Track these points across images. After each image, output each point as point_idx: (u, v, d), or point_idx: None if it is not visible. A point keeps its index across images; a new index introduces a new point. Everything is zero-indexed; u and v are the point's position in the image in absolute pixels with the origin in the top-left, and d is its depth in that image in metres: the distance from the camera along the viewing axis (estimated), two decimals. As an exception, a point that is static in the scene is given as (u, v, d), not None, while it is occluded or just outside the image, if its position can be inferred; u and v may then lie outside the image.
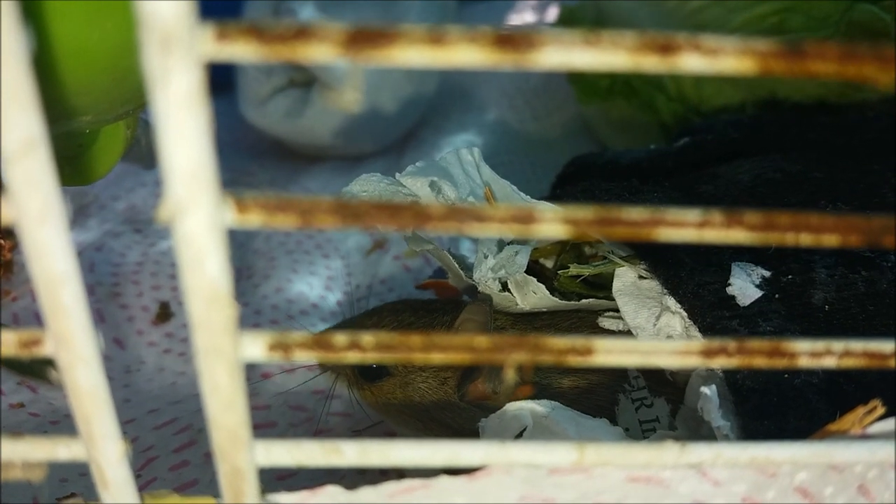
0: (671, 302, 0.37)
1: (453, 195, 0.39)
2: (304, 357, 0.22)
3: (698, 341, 0.22)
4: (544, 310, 0.43)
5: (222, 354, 0.21)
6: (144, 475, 0.44)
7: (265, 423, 0.49)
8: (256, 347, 0.21)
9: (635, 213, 0.20)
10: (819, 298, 0.37)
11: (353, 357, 0.22)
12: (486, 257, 0.41)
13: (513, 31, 0.17)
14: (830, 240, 0.20)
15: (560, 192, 0.46)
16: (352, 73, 0.19)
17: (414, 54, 0.17)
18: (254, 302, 0.59)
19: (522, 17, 1.02)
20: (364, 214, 0.19)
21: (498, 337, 0.22)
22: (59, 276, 0.19)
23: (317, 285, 0.62)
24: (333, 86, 0.72)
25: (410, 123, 0.81)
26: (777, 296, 0.37)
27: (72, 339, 0.21)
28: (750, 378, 0.34)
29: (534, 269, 0.44)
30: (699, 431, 0.37)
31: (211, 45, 0.17)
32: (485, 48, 0.17)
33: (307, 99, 0.75)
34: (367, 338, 0.22)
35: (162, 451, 0.46)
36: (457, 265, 0.43)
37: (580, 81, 0.75)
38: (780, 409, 0.33)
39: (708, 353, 0.22)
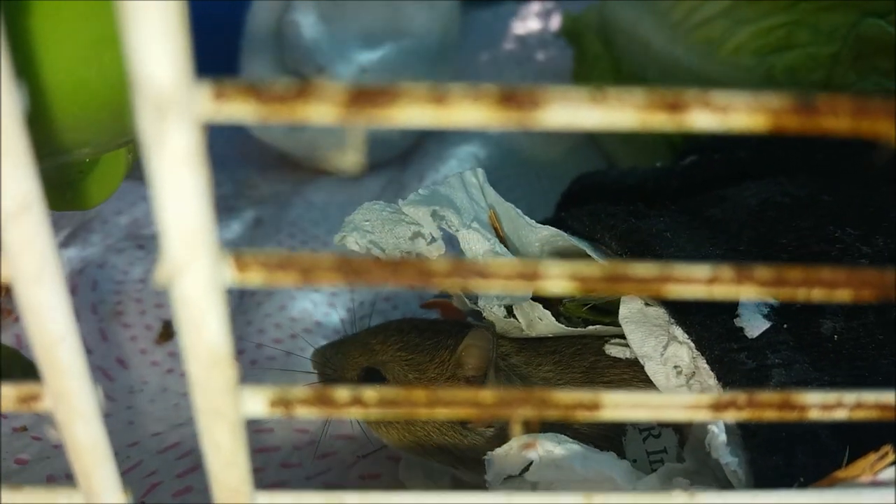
0: (679, 332, 0.37)
1: (457, 222, 0.39)
2: (306, 412, 0.21)
3: (708, 395, 0.22)
4: (550, 335, 0.42)
5: (223, 414, 0.20)
6: (148, 501, 0.44)
7: (269, 448, 0.48)
8: (257, 403, 0.21)
9: (643, 269, 0.19)
10: (828, 328, 0.37)
11: (355, 413, 0.21)
12: None
13: (516, 90, 0.17)
14: (843, 295, 0.20)
15: (565, 213, 0.45)
16: (353, 135, 0.19)
17: (416, 113, 0.17)
18: (256, 320, 0.59)
19: (526, 24, 1.01)
20: (366, 272, 0.19)
21: (503, 391, 0.21)
22: (55, 336, 0.19)
23: (320, 302, 0.61)
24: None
25: (414, 135, 0.81)
26: (785, 325, 0.36)
27: (70, 396, 0.20)
28: (759, 411, 0.33)
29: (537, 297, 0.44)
30: (707, 463, 0.36)
31: (208, 105, 0.16)
32: (488, 107, 0.17)
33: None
34: (370, 393, 0.21)
35: (165, 476, 0.46)
36: (462, 294, 0.42)
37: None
38: (788, 444, 0.33)
39: (717, 407, 0.22)
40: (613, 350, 0.41)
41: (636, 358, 0.39)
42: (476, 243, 0.40)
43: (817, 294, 0.20)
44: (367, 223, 0.38)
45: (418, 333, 0.45)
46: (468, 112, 0.17)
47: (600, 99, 0.17)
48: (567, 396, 0.22)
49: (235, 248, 0.19)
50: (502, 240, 0.42)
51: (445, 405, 0.22)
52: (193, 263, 0.18)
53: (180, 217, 0.17)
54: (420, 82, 0.16)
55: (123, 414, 0.51)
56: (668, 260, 0.38)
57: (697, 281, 0.20)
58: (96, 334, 0.56)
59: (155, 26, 0.15)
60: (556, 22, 0.97)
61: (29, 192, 0.17)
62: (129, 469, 0.46)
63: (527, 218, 0.42)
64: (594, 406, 0.22)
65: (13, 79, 0.16)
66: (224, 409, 0.20)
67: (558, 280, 0.19)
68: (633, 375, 0.40)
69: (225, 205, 0.72)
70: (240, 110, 0.16)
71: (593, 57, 0.72)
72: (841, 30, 0.56)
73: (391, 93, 0.16)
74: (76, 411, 0.21)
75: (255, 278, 0.19)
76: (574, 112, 0.17)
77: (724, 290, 0.20)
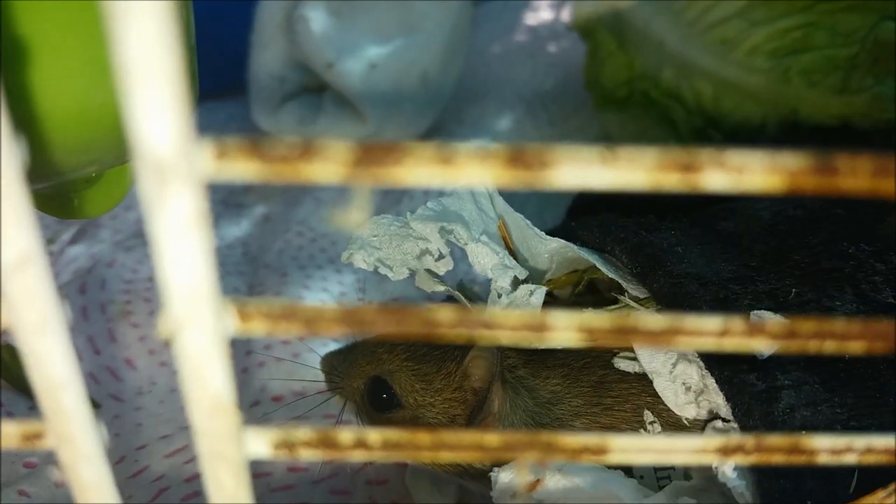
0: (688, 350, 0.37)
1: (465, 236, 0.39)
2: (310, 456, 0.21)
3: (716, 438, 0.22)
4: (558, 347, 0.42)
5: (226, 458, 0.20)
6: (155, 507, 0.44)
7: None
8: (261, 446, 0.21)
9: (652, 321, 0.19)
10: (840, 347, 0.36)
11: (359, 455, 0.21)
12: (499, 296, 0.40)
13: (524, 151, 0.16)
14: (856, 347, 0.20)
15: (575, 223, 0.45)
16: (358, 194, 0.19)
17: (423, 174, 0.16)
18: (265, 319, 0.59)
19: (538, 15, 1.00)
20: (370, 322, 0.19)
21: (509, 435, 0.21)
22: (59, 383, 0.19)
23: (329, 301, 0.61)
24: (345, 94, 0.71)
25: (424, 128, 0.81)
26: (797, 345, 0.36)
27: (74, 439, 0.20)
28: (767, 435, 0.33)
29: (547, 303, 0.43)
30: (714, 481, 0.36)
31: (210, 165, 0.16)
32: (496, 168, 0.16)
33: (320, 106, 0.75)
34: (374, 436, 0.21)
35: (173, 481, 0.46)
36: (469, 305, 0.42)
37: (597, 89, 0.74)
38: (796, 467, 0.33)
39: (725, 451, 0.22)
40: (622, 364, 0.41)
41: (644, 372, 0.39)
42: (485, 257, 0.39)
43: (829, 346, 0.20)
44: (374, 239, 0.38)
45: (425, 343, 0.45)
46: (476, 172, 0.16)
47: (611, 160, 0.16)
48: (573, 440, 0.21)
49: (238, 299, 0.18)
50: (512, 252, 0.42)
51: (450, 448, 0.21)
52: (196, 319, 0.17)
53: (182, 275, 0.17)
54: (427, 143, 0.16)
55: (131, 416, 0.51)
56: (680, 275, 0.38)
57: (708, 334, 0.19)
58: (105, 334, 0.56)
59: (154, 92, 0.15)
60: (567, 13, 0.96)
61: (30, 246, 0.17)
62: (137, 473, 0.46)
63: (536, 229, 0.42)
64: (601, 450, 0.21)
65: (13, 135, 0.16)
66: (227, 453, 0.20)
67: (566, 332, 0.19)
68: (642, 390, 0.40)
69: (234, 201, 0.72)
70: (242, 169, 0.16)
71: (606, 53, 0.71)
72: (859, 32, 0.55)
73: (398, 152, 0.16)
74: (80, 454, 0.20)
75: (258, 328, 0.19)
76: (584, 173, 0.16)
77: (734, 343, 0.19)
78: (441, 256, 0.38)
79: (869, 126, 0.55)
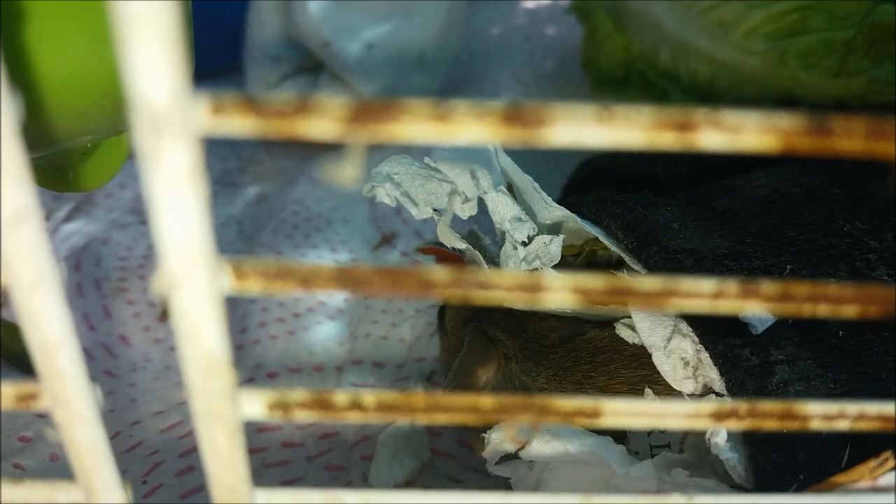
0: (683, 324, 0.37)
1: (486, 184, 0.38)
2: (304, 416, 0.21)
3: (709, 404, 0.22)
4: (554, 307, 0.42)
5: (220, 418, 0.20)
6: (150, 481, 0.44)
7: (271, 427, 0.49)
8: (255, 406, 0.21)
9: (647, 283, 0.19)
10: (833, 323, 0.36)
11: (354, 417, 0.21)
12: (514, 248, 0.39)
13: (521, 108, 0.16)
14: (849, 311, 0.20)
15: (572, 199, 0.45)
16: (352, 150, 0.19)
17: (419, 130, 0.16)
18: (260, 298, 0.59)
19: (537, -2, 1.00)
20: (366, 282, 0.19)
21: (503, 398, 0.21)
22: (54, 342, 0.19)
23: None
24: (341, 74, 0.71)
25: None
26: (791, 320, 0.36)
27: (69, 399, 0.20)
28: (760, 408, 0.33)
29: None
30: (707, 458, 0.36)
31: (206, 120, 0.16)
32: (492, 125, 0.16)
33: (316, 86, 0.74)
34: (369, 397, 0.21)
35: (168, 455, 0.46)
36: (485, 265, 0.41)
37: (594, 70, 0.74)
38: (789, 441, 0.33)
39: (719, 416, 0.22)
40: (625, 333, 0.40)
41: (637, 355, 0.39)
42: (504, 206, 0.38)
43: (823, 310, 0.20)
44: (395, 176, 0.37)
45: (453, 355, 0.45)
46: (472, 129, 0.16)
47: (607, 118, 0.16)
48: (567, 403, 0.21)
49: (234, 258, 0.18)
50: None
51: (445, 410, 0.21)
52: (191, 275, 0.17)
53: (178, 231, 0.17)
54: (424, 99, 0.16)
55: (126, 391, 0.51)
56: (675, 251, 0.38)
57: (702, 296, 0.19)
58: (100, 311, 0.56)
59: (151, 44, 0.14)
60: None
61: (25, 204, 0.17)
62: (132, 448, 0.46)
63: (544, 194, 0.41)
64: (595, 413, 0.22)
65: (9, 91, 0.16)
66: (222, 413, 0.20)
67: (561, 292, 0.19)
68: (635, 383, 0.40)
69: (229, 181, 0.72)
70: (239, 125, 0.16)
71: (604, 35, 0.70)
72: (856, 15, 0.55)
73: (394, 109, 0.16)
74: (75, 414, 0.20)
75: (253, 287, 0.19)
76: (580, 131, 0.16)
77: (729, 305, 0.19)
78: (467, 200, 0.38)
79: (865, 109, 0.55)
